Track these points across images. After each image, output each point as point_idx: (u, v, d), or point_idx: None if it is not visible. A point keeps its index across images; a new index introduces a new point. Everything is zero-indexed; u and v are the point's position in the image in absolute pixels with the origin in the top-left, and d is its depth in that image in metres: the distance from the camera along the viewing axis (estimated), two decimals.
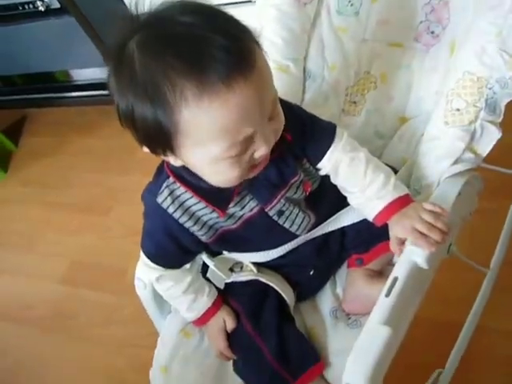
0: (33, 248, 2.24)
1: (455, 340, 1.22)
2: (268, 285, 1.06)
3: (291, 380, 0.97)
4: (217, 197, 0.91)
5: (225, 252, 1.07)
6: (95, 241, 2.13)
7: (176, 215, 0.92)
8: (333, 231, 1.06)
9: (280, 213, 0.95)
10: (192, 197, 0.91)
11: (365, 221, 0.99)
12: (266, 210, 0.94)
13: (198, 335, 1.11)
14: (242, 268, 1.10)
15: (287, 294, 1.06)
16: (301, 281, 1.10)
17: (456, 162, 0.95)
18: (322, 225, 1.03)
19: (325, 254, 1.08)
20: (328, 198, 1.02)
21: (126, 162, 2.28)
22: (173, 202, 0.91)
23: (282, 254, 1.04)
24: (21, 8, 2.10)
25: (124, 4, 1.84)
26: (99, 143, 2.47)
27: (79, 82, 2.56)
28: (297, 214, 0.97)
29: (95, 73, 2.42)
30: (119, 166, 2.32)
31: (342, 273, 1.13)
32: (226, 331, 1.06)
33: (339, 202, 1.02)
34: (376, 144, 1.20)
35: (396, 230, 0.91)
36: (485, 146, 0.95)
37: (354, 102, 1.24)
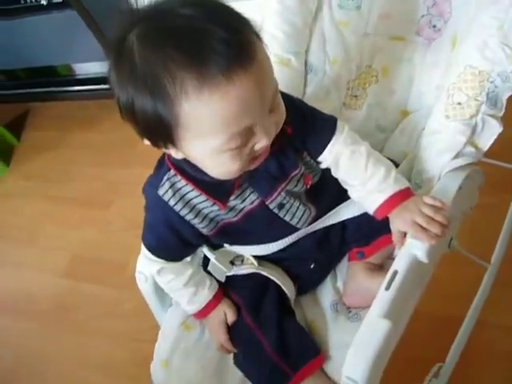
0: (34, 242, 2.25)
1: (455, 334, 1.22)
2: (269, 278, 1.06)
3: (291, 373, 0.98)
4: (217, 190, 0.91)
5: (226, 245, 1.07)
6: (96, 234, 2.13)
7: (177, 208, 0.92)
8: (333, 224, 1.06)
9: (280, 206, 0.95)
10: (193, 190, 0.91)
11: (365, 214, 0.99)
12: (267, 203, 0.94)
13: (199, 328, 1.12)
14: (242, 261, 1.10)
15: (288, 287, 1.06)
16: (301, 274, 1.10)
17: (457, 156, 0.95)
18: (323, 218, 1.03)
19: (325, 247, 1.08)
20: (329, 192, 1.02)
21: (126, 155, 2.27)
22: (174, 194, 0.91)
23: (282, 247, 1.04)
24: (23, 2, 2.10)
25: None
26: (100, 137, 2.47)
27: (81, 77, 2.56)
28: (297, 207, 0.97)
29: (96, 67, 2.42)
30: (120, 159, 2.32)
31: (343, 266, 1.13)
32: (227, 324, 1.06)
33: (340, 195, 1.02)
34: (377, 138, 1.20)
35: (396, 223, 0.91)
36: (486, 140, 0.95)
37: (356, 96, 1.24)
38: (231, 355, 1.07)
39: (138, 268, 1.09)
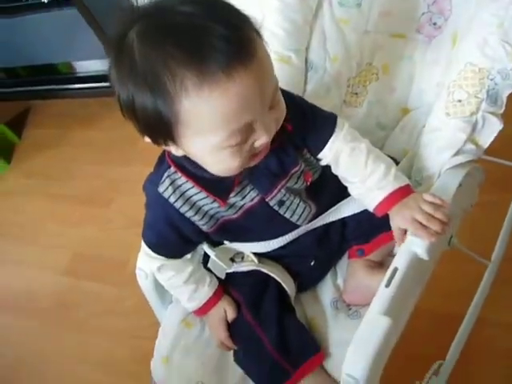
0: (35, 240, 2.25)
1: (456, 332, 1.22)
2: (269, 275, 1.06)
3: (291, 370, 0.98)
4: (217, 187, 0.91)
5: (226, 242, 1.07)
6: (97, 232, 2.14)
7: (177, 205, 0.92)
8: (333, 222, 1.06)
9: (281, 203, 0.95)
10: (193, 187, 0.91)
11: (366, 211, 0.99)
12: (267, 200, 0.94)
13: (199, 325, 1.12)
14: (242, 258, 1.10)
15: (288, 284, 1.06)
16: (302, 271, 1.10)
17: (457, 153, 0.95)
18: (323, 215, 1.03)
19: (325, 244, 1.08)
20: (329, 189, 1.02)
21: (127, 153, 2.28)
22: (174, 191, 0.91)
23: (282, 244, 1.04)
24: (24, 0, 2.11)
25: None
26: (101, 135, 2.47)
27: (81, 74, 2.56)
28: (297, 204, 0.97)
29: (97, 65, 2.42)
30: (121, 157, 2.32)
31: (343, 264, 1.13)
32: (227, 321, 1.06)
33: (340, 192, 1.02)
34: (378, 135, 1.20)
35: (396, 220, 0.91)
36: (486, 138, 0.95)
37: (356, 94, 1.24)
38: (231, 352, 1.08)
39: (138, 265, 1.10)
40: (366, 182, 0.94)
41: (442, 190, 0.92)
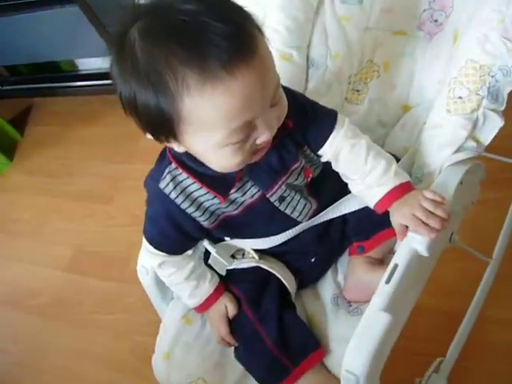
0: (37, 236, 2.26)
1: (456, 329, 1.22)
2: (269, 272, 1.06)
3: (291, 366, 0.98)
4: (218, 183, 0.91)
5: (227, 239, 1.07)
6: (99, 229, 2.14)
7: (178, 201, 0.92)
8: (334, 218, 1.05)
9: (281, 199, 0.95)
10: (194, 183, 0.91)
11: (366, 208, 0.99)
12: (268, 196, 0.94)
13: (200, 322, 1.12)
14: (243, 255, 1.10)
15: (288, 281, 1.06)
16: (302, 268, 1.10)
17: (458, 150, 0.95)
18: (324, 212, 1.03)
19: (326, 241, 1.08)
20: (330, 185, 1.02)
21: (129, 150, 2.28)
22: (175, 187, 0.92)
23: (283, 240, 1.04)
24: None
25: None
26: (103, 132, 2.47)
27: (84, 72, 2.56)
28: (298, 201, 0.97)
29: (99, 62, 2.42)
30: (123, 154, 2.32)
31: (344, 260, 1.13)
32: (228, 318, 1.06)
33: (341, 189, 1.01)
34: (378, 133, 1.19)
35: (396, 217, 0.91)
36: (487, 135, 0.95)
37: (357, 91, 1.23)
38: (232, 349, 1.08)
39: (139, 261, 1.10)
40: (366, 178, 0.94)
41: (443, 187, 0.92)
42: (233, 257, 1.10)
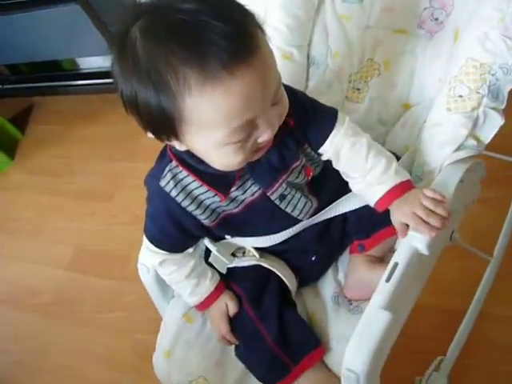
0: (38, 235, 2.26)
1: (457, 327, 1.22)
2: (270, 270, 1.06)
3: (292, 365, 0.98)
4: (219, 181, 0.91)
5: (227, 237, 1.07)
6: (99, 228, 2.14)
7: (179, 199, 0.92)
8: (335, 217, 1.05)
9: (282, 197, 0.95)
10: (194, 181, 0.92)
11: (367, 207, 0.99)
12: (268, 194, 0.94)
13: (201, 320, 1.12)
14: (244, 253, 1.10)
15: (289, 279, 1.07)
16: (303, 266, 1.10)
17: (458, 148, 0.95)
18: (324, 210, 1.03)
19: (326, 239, 1.08)
20: (331, 184, 1.02)
21: (130, 148, 2.28)
22: (175, 185, 0.92)
23: (284, 239, 1.04)
24: None
25: None
26: (104, 131, 2.47)
27: (85, 71, 2.57)
28: (299, 199, 0.97)
29: (100, 61, 2.42)
30: (124, 152, 2.32)
31: (345, 259, 1.13)
32: (228, 316, 1.06)
33: (342, 187, 1.02)
34: (379, 131, 1.19)
35: (397, 215, 0.91)
36: (488, 133, 0.95)
37: (358, 89, 1.23)
38: (232, 347, 1.08)
39: (140, 260, 1.10)
40: (366, 176, 0.94)
41: (443, 185, 0.92)
42: (233, 255, 1.10)
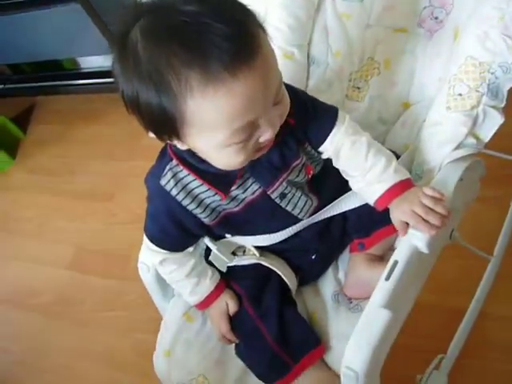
0: (39, 234, 2.26)
1: (457, 326, 1.23)
2: (270, 269, 1.06)
3: (292, 363, 0.98)
4: (219, 180, 0.91)
5: (227, 236, 1.07)
6: (100, 227, 2.14)
7: (179, 197, 0.93)
8: (335, 216, 1.05)
9: (282, 196, 0.95)
10: (195, 179, 0.92)
11: (366, 205, 0.99)
12: (269, 193, 0.94)
13: (201, 319, 1.12)
14: (244, 252, 1.10)
15: (289, 278, 1.07)
16: (303, 265, 1.10)
17: (458, 147, 0.95)
18: (325, 209, 1.03)
19: (326, 238, 1.08)
20: (331, 183, 1.02)
21: (131, 148, 2.28)
22: (176, 184, 0.92)
23: (284, 237, 1.04)
24: None
25: None
26: (105, 130, 2.47)
27: (86, 70, 2.57)
28: (299, 198, 0.97)
29: (101, 60, 2.42)
30: (124, 152, 2.32)
31: (345, 257, 1.13)
32: (229, 315, 1.06)
33: (342, 186, 1.02)
34: (379, 130, 1.19)
35: (396, 213, 0.91)
36: (487, 132, 0.95)
37: (358, 88, 1.23)
38: (233, 346, 1.08)
39: (140, 259, 1.10)
40: (366, 175, 0.94)
41: (443, 184, 0.92)
42: (233, 254, 1.10)
